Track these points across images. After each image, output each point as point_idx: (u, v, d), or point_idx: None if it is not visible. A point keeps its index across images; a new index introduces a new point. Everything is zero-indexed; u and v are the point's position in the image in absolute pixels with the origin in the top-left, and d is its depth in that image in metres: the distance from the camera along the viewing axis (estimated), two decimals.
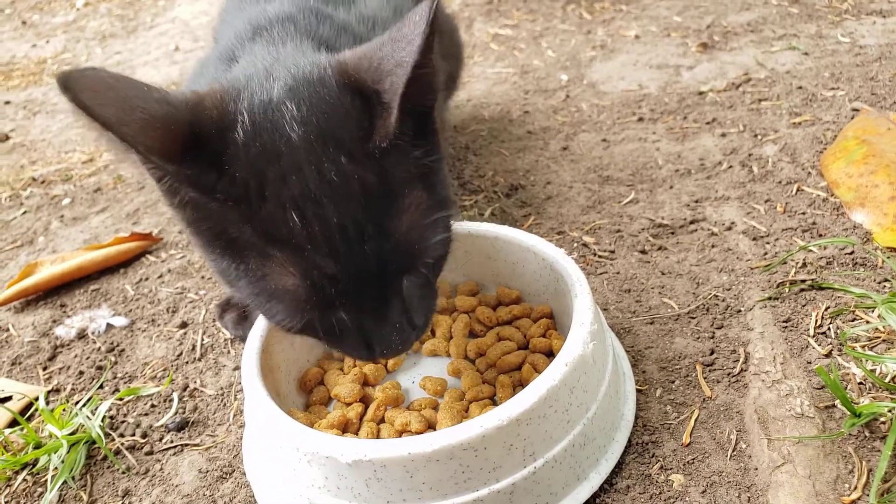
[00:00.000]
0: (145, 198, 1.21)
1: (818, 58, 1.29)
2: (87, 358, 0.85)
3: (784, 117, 1.11)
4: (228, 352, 0.82)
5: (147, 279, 0.98)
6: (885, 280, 0.75)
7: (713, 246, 0.85)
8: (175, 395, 0.76)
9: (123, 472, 0.68)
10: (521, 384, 0.65)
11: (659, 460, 0.60)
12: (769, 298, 0.75)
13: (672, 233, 0.89)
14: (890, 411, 0.58)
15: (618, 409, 0.62)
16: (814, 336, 0.70)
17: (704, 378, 0.67)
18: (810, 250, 0.81)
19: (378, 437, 0.63)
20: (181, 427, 0.72)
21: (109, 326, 0.89)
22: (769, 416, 0.61)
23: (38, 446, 0.71)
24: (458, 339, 0.71)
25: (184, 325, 0.87)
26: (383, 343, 0.51)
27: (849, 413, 0.59)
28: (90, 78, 0.41)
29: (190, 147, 0.44)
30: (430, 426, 0.62)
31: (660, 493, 0.57)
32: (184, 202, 0.47)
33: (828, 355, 0.67)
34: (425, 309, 0.54)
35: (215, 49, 0.70)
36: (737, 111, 1.16)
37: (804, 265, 0.79)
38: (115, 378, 0.81)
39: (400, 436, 0.62)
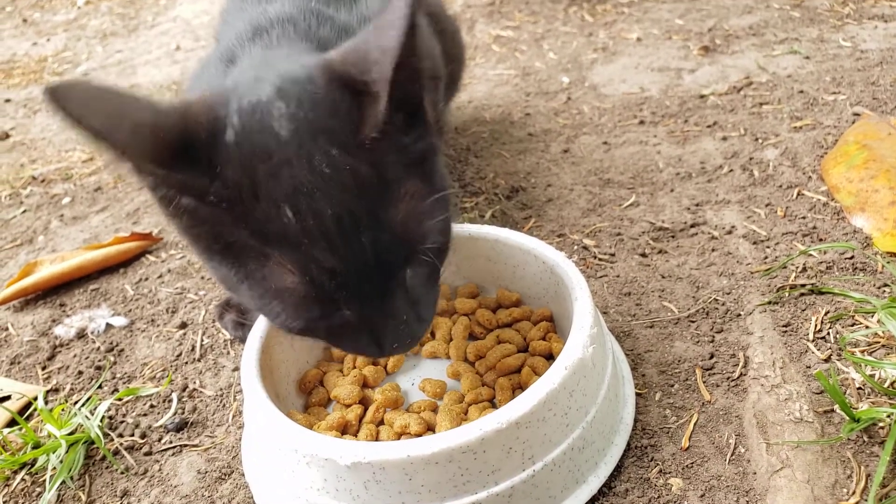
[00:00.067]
0: (145, 197, 1.21)
1: (819, 62, 1.29)
2: (87, 358, 0.85)
3: (785, 121, 1.11)
4: (228, 352, 0.82)
5: (147, 279, 0.98)
6: (885, 285, 0.75)
7: (713, 250, 0.85)
8: (174, 396, 0.76)
9: (122, 473, 0.68)
10: (521, 387, 0.65)
11: (658, 464, 0.60)
12: (769, 303, 0.75)
13: (672, 236, 0.89)
14: (889, 416, 0.58)
15: (617, 413, 0.62)
16: (813, 341, 0.70)
17: (704, 382, 0.67)
18: (810, 255, 0.81)
19: (377, 439, 0.63)
20: (180, 427, 0.72)
21: (109, 326, 0.89)
22: (768, 420, 0.61)
23: (36, 446, 0.71)
24: (458, 342, 0.71)
25: (183, 325, 0.87)
26: (392, 338, 0.51)
27: (848, 418, 0.59)
28: (77, 89, 0.41)
29: (181, 153, 0.44)
30: (430, 428, 0.62)
31: (658, 497, 0.57)
32: (179, 210, 0.47)
33: (827, 360, 0.67)
34: (431, 300, 0.54)
35: (216, 50, 0.70)
36: (738, 115, 1.16)
37: (804, 269, 0.79)
38: (114, 378, 0.81)
39: (399, 438, 0.62)
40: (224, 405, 0.74)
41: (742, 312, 0.75)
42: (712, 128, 1.13)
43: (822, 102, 1.15)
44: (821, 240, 0.84)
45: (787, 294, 0.76)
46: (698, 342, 0.72)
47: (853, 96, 1.14)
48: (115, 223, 1.15)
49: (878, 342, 0.68)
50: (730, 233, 0.88)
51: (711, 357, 0.70)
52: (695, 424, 0.63)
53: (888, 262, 0.77)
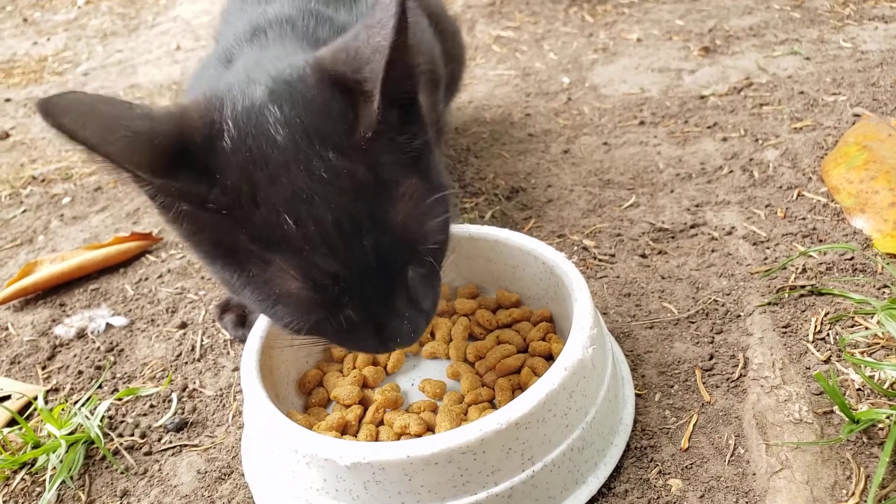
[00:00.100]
0: (145, 198, 1.21)
1: (820, 63, 1.29)
2: (87, 357, 0.85)
3: (785, 122, 1.11)
4: (228, 353, 0.82)
5: (147, 279, 0.98)
6: (885, 286, 0.75)
7: (713, 251, 0.85)
8: (174, 396, 0.76)
9: (122, 473, 0.68)
10: (521, 388, 0.65)
11: (657, 465, 0.60)
12: (769, 304, 0.75)
13: (672, 237, 0.89)
14: (888, 418, 0.58)
15: (616, 414, 0.62)
16: (813, 342, 0.70)
17: (703, 383, 0.67)
18: (810, 256, 0.81)
19: (377, 439, 0.63)
20: (180, 427, 0.72)
21: (109, 326, 0.89)
22: (768, 421, 0.61)
23: (36, 446, 0.71)
24: (458, 342, 0.71)
25: (183, 325, 0.87)
26: (395, 333, 0.51)
27: (847, 419, 0.59)
28: (70, 101, 0.41)
29: (177, 160, 0.44)
30: (429, 429, 0.62)
31: (658, 498, 0.57)
32: (179, 216, 0.47)
33: (827, 361, 0.67)
34: (431, 294, 0.54)
35: (215, 50, 0.70)
36: (738, 115, 1.16)
37: (804, 271, 0.79)
38: (114, 378, 0.81)
39: (399, 438, 0.62)
40: (224, 405, 0.74)
41: (742, 313, 0.75)
42: (712, 128, 1.13)
43: (822, 103, 1.15)
44: (821, 241, 0.84)
45: (786, 295, 0.76)
46: (698, 343, 0.72)
47: (853, 97, 1.15)
48: (115, 223, 1.15)
49: (878, 343, 0.68)
50: (730, 234, 0.88)
51: (711, 358, 0.70)
52: (694, 425, 0.63)
53: (888, 264, 0.77)
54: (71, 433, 0.71)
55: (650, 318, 0.76)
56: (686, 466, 0.59)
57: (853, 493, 0.54)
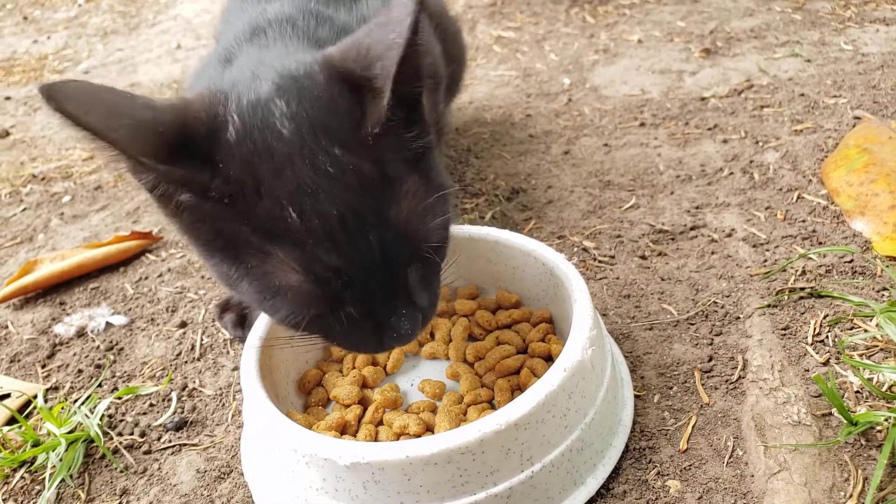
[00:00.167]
0: (146, 196, 1.20)
1: (821, 65, 1.29)
2: (86, 356, 0.85)
3: (786, 124, 1.12)
4: (228, 352, 0.82)
5: (147, 278, 0.98)
6: (884, 289, 0.75)
7: (713, 252, 0.86)
8: (174, 395, 0.76)
9: (121, 471, 0.68)
10: (520, 388, 0.65)
11: (656, 466, 0.60)
12: (768, 306, 0.75)
13: (672, 239, 0.89)
14: (886, 420, 0.58)
15: (616, 415, 0.62)
16: (812, 344, 0.70)
17: (702, 384, 0.67)
18: (810, 258, 0.81)
19: (376, 439, 0.63)
20: (179, 427, 0.72)
21: (109, 325, 0.89)
22: (766, 423, 0.61)
23: (36, 444, 0.71)
24: (458, 343, 0.72)
25: (183, 324, 0.87)
26: (393, 330, 0.51)
27: (845, 421, 0.59)
28: (74, 88, 0.41)
29: (180, 148, 0.44)
30: (429, 429, 0.62)
31: (656, 499, 0.57)
32: (179, 208, 0.47)
33: (826, 363, 0.67)
34: (430, 293, 0.54)
35: (215, 49, 0.70)
36: (738, 117, 1.16)
37: (803, 273, 0.79)
38: (113, 377, 0.81)
39: (398, 438, 0.62)
40: (223, 404, 0.74)
41: (741, 315, 0.75)
42: (713, 130, 1.13)
43: (822, 106, 1.15)
44: (820, 243, 0.84)
45: (786, 297, 0.76)
46: (697, 345, 0.72)
47: (854, 100, 1.15)
48: (116, 222, 1.15)
49: (877, 346, 0.68)
50: (729, 236, 0.88)
51: (710, 360, 0.70)
52: (693, 427, 0.63)
53: (887, 266, 0.77)
54: (70, 432, 0.71)
55: (649, 320, 0.76)
56: (685, 468, 0.60)
57: (851, 495, 0.54)
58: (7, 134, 1.60)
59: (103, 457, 0.70)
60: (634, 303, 0.79)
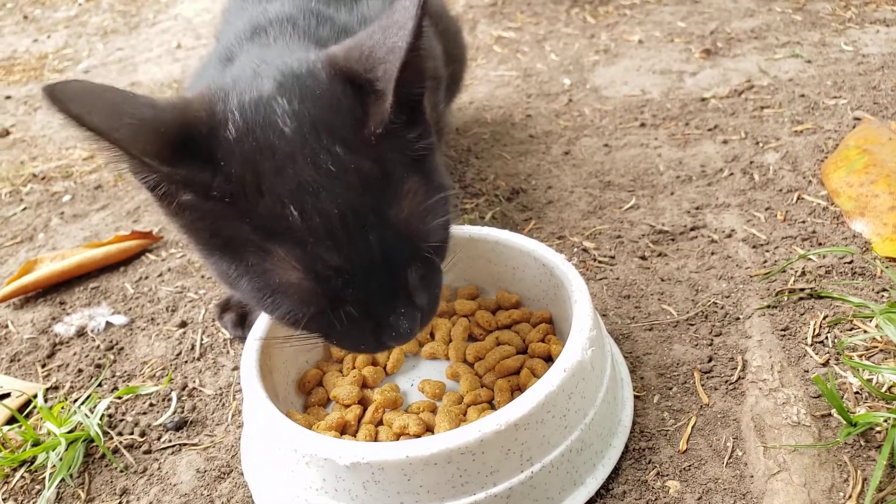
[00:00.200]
0: (146, 196, 1.20)
1: (821, 66, 1.29)
2: (86, 356, 0.85)
3: (786, 125, 1.12)
4: (228, 352, 0.82)
5: (147, 278, 0.98)
6: (884, 290, 0.75)
7: (713, 253, 0.86)
8: (174, 395, 0.76)
9: (121, 471, 0.68)
10: (520, 389, 0.65)
11: (655, 466, 0.60)
12: (768, 306, 0.75)
13: (672, 239, 0.89)
14: (885, 421, 0.58)
15: (615, 415, 0.62)
16: (811, 345, 0.70)
17: (702, 385, 0.67)
18: (810, 259, 0.81)
19: (376, 439, 0.63)
20: (179, 426, 0.72)
21: (109, 325, 0.89)
22: (766, 424, 0.61)
23: (36, 444, 0.71)
24: (458, 343, 0.72)
25: (183, 324, 0.87)
26: (391, 329, 0.51)
27: (845, 422, 0.59)
28: (76, 88, 0.42)
29: (181, 148, 0.45)
30: (429, 429, 0.62)
31: (656, 500, 0.57)
32: (180, 207, 0.47)
33: (825, 364, 0.67)
34: (430, 294, 0.54)
35: (216, 49, 0.71)
36: (739, 118, 1.16)
37: (803, 274, 0.79)
38: (113, 376, 0.81)
39: (398, 438, 0.62)
40: (223, 404, 0.74)
41: (741, 316, 0.75)
42: (713, 131, 1.14)
43: (823, 106, 1.15)
44: (820, 244, 0.84)
45: (785, 298, 0.76)
46: (697, 345, 0.72)
47: (854, 101, 1.15)
48: (116, 221, 1.15)
49: (876, 347, 0.68)
50: (729, 236, 0.88)
51: (710, 360, 0.70)
52: (693, 427, 0.63)
53: (887, 267, 0.77)
54: (70, 431, 0.71)
55: (649, 320, 0.76)
56: (684, 468, 0.60)
57: (850, 496, 0.54)
58: (7, 133, 1.60)
59: (103, 456, 0.70)
60: (634, 303, 0.79)
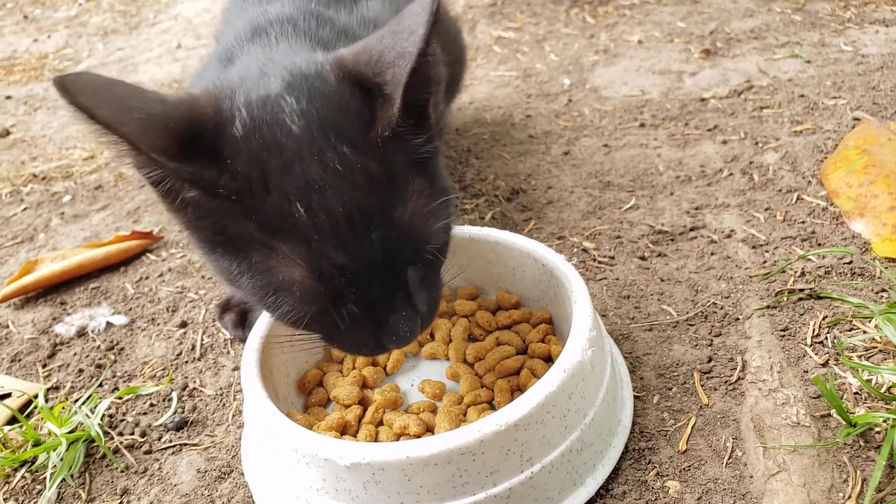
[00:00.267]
0: (146, 196, 1.21)
1: (820, 66, 1.29)
2: (87, 356, 0.85)
3: (785, 125, 1.12)
4: (228, 352, 0.82)
5: (147, 278, 0.98)
6: (883, 290, 0.75)
7: (712, 253, 0.86)
8: (174, 395, 0.76)
9: (122, 471, 0.68)
10: (520, 389, 0.65)
11: (655, 467, 0.60)
12: (767, 307, 0.76)
13: (672, 240, 0.90)
14: (885, 421, 0.59)
15: (615, 416, 0.62)
16: (811, 345, 0.70)
17: (702, 385, 0.68)
18: (809, 259, 0.81)
19: (376, 439, 0.63)
20: (180, 426, 0.72)
21: (109, 325, 0.89)
22: (765, 424, 0.61)
23: (36, 444, 0.71)
24: (458, 343, 0.72)
25: (184, 324, 0.87)
26: (391, 332, 0.51)
27: (844, 423, 0.59)
28: (87, 81, 0.42)
29: (189, 145, 0.45)
30: (429, 429, 0.62)
31: (656, 500, 0.57)
32: (184, 203, 0.47)
33: (825, 365, 0.67)
34: (430, 297, 0.54)
35: (216, 49, 0.71)
36: (738, 118, 1.16)
37: (803, 274, 0.79)
38: (114, 377, 0.81)
39: (398, 439, 0.62)
40: (224, 404, 0.75)
41: (740, 316, 0.75)
42: (713, 131, 1.14)
43: (822, 107, 1.15)
44: (819, 244, 0.84)
45: (785, 298, 0.76)
46: (697, 346, 0.72)
47: (853, 101, 1.15)
48: (116, 221, 1.15)
49: (876, 347, 0.68)
50: (729, 237, 0.88)
51: (709, 361, 0.70)
52: (692, 428, 0.63)
53: (886, 268, 0.78)
54: (71, 431, 0.71)
55: (649, 321, 0.77)
56: (684, 468, 0.60)
57: (850, 496, 0.55)
58: (7, 133, 1.60)
59: (104, 456, 0.70)
60: (634, 304, 0.79)
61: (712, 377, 0.68)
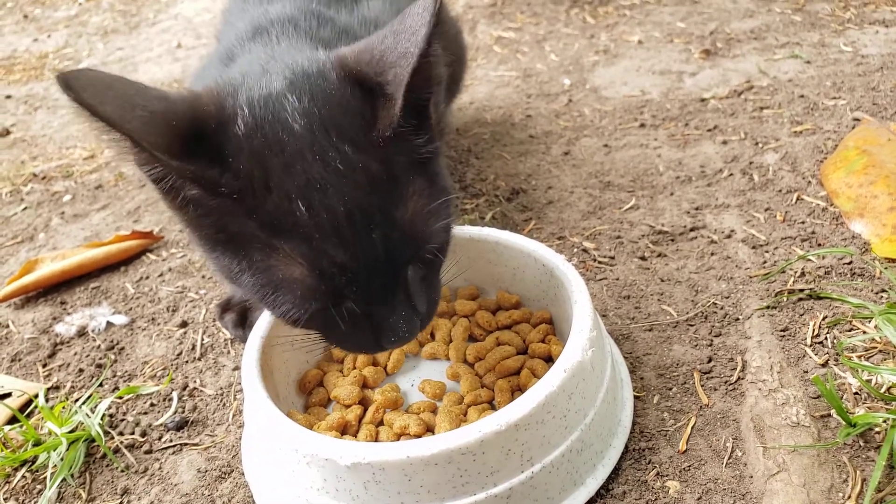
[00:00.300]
0: (146, 196, 1.21)
1: (820, 66, 1.30)
2: (87, 356, 0.85)
3: (785, 126, 1.12)
4: (228, 352, 0.82)
5: (147, 277, 0.98)
6: (883, 290, 0.75)
7: (713, 254, 0.86)
8: (174, 395, 0.76)
9: (122, 471, 0.68)
10: (520, 389, 0.65)
11: (655, 467, 0.60)
12: (767, 307, 0.76)
13: (672, 240, 0.90)
14: (885, 421, 0.59)
15: (615, 416, 0.62)
16: (811, 345, 0.70)
17: (702, 385, 0.68)
18: (809, 259, 0.81)
19: (377, 439, 0.63)
20: (180, 426, 0.72)
21: (109, 324, 0.89)
22: (765, 424, 0.61)
23: (37, 443, 0.71)
24: (458, 343, 0.72)
25: (184, 324, 0.87)
26: (390, 331, 0.51)
27: (844, 423, 0.59)
28: (90, 77, 0.42)
29: (191, 143, 0.45)
30: (429, 429, 0.62)
31: (656, 500, 0.57)
32: (185, 201, 0.47)
33: (824, 365, 0.68)
34: (429, 297, 0.54)
35: (217, 49, 0.71)
36: (738, 119, 1.16)
37: (803, 274, 0.80)
38: (114, 376, 0.81)
39: (398, 439, 0.62)
40: (224, 404, 0.75)
41: (740, 317, 0.75)
42: (713, 131, 1.14)
43: (822, 107, 1.15)
44: (819, 245, 0.84)
45: (785, 299, 0.76)
46: (697, 346, 0.73)
47: (853, 101, 1.15)
48: (116, 221, 1.15)
49: (876, 347, 0.68)
50: (729, 237, 0.88)
51: (710, 361, 0.70)
52: (692, 428, 0.63)
53: (886, 268, 0.78)
54: (71, 431, 0.71)
55: (649, 321, 0.77)
56: (684, 468, 0.60)
57: (850, 497, 0.55)
58: (7, 133, 1.60)
59: (104, 456, 0.70)
60: (634, 304, 0.80)
61: (712, 377, 0.69)
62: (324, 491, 0.54)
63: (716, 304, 0.78)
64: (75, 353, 0.86)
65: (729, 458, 0.60)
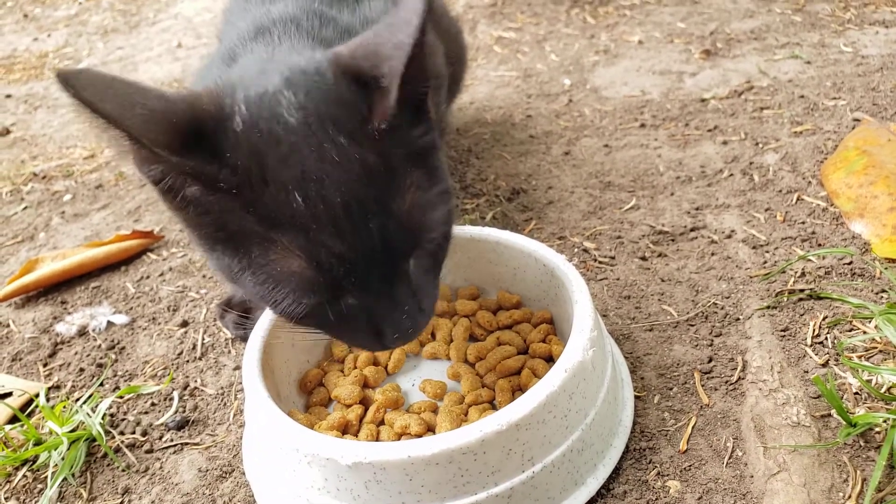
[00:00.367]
0: (147, 195, 1.21)
1: (820, 67, 1.30)
2: (88, 355, 0.85)
3: (785, 126, 1.12)
4: (229, 351, 0.82)
5: (148, 277, 0.98)
6: (883, 291, 0.75)
7: (713, 254, 0.86)
8: (175, 394, 0.76)
9: (123, 470, 0.68)
10: (521, 389, 0.66)
11: (656, 466, 0.60)
12: (768, 307, 0.76)
13: (672, 240, 0.90)
14: (885, 421, 0.59)
15: (616, 416, 0.62)
16: (811, 345, 0.70)
17: (702, 385, 0.68)
18: (809, 260, 0.81)
19: (377, 439, 0.63)
20: (181, 426, 0.72)
21: (110, 324, 0.89)
22: (766, 424, 0.61)
23: (38, 443, 0.71)
24: (459, 343, 0.72)
25: (185, 323, 0.87)
26: (394, 328, 0.51)
27: (844, 423, 0.59)
28: (90, 75, 0.42)
29: (190, 140, 0.45)
30: (430, 429, 0.62)
31: (656, 499, 0.58)
32: (185, 200, 0.48)
33: (825, 365, 0.68)
34: (432, 292, 0.54)
35: (218, 49, 0.71)
36: (738, 119, 1.16)
37: (803, 274, 0.80)
38: (115, 376, 0.81)
39: (399, 438, 0.62)
40: (225, 404, 0.75)
41: (741, 317, 0.75)
42: (713, 132, 1.14)
43: (822, 108, 1.15)
44: (820, 245, 0.84)
45: (785, 299, 0.77)
46: (697, 346, 0.73)
47: (853, 102, 1.15)
48: (117, 221, 1.15)
49: (876, 347, 0.68)
50: (729, 237, 0.88)
51: (710, 361, 0.70)
52: (693, 427, 0.63)
53: (886, 268, 0.78)
54: (72, 430, 0.71)
55: (650, 321, 0.77)
56: (684, 468, 0.60)
57: (850, 496, 0.55)
58: (8, 132, 1.60)
59: (105, 456, 0.70)
60: (635, 304, 0.80)
61: (713, 377, 0.69)
62: (325, 490, 0.54)
63: (716, 304, 0.78)
64: (76, 353, 0.86)
65: (729, 458, 0.60)
